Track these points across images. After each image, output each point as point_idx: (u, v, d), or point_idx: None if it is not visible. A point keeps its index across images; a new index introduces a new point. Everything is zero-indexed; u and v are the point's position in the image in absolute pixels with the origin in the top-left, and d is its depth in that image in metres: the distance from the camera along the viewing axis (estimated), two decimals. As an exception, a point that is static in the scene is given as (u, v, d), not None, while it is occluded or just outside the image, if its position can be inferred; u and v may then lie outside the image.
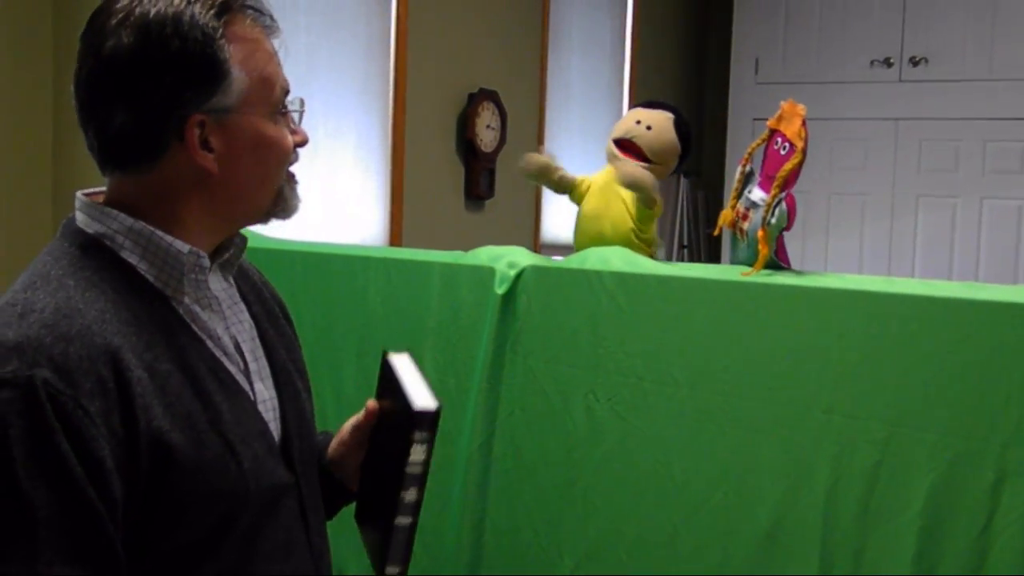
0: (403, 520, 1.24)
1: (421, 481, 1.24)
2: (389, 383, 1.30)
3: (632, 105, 5.28)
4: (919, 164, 5.12)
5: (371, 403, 1.33)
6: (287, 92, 1.21)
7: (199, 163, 1.13)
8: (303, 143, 1.24)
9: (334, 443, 1.38)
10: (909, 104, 5.10)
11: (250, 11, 1.17)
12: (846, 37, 5.23)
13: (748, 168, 1.64)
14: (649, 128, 1.91)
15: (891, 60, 5.13)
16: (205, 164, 1.13)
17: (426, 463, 1.24)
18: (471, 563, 1.82)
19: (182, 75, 1.10)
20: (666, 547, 1.59)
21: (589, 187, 1.97)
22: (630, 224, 1.89)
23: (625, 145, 1.93)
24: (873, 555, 1.40)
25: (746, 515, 1.51)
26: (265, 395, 1.22)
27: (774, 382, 1.49)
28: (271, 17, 1.20)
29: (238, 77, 1.13)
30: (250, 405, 1.18)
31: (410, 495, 1.24)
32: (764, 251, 1.54)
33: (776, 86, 5.24)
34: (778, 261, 1.58)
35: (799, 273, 1.58)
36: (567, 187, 1.99)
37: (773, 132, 1.63)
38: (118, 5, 1.12)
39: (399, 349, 1.35)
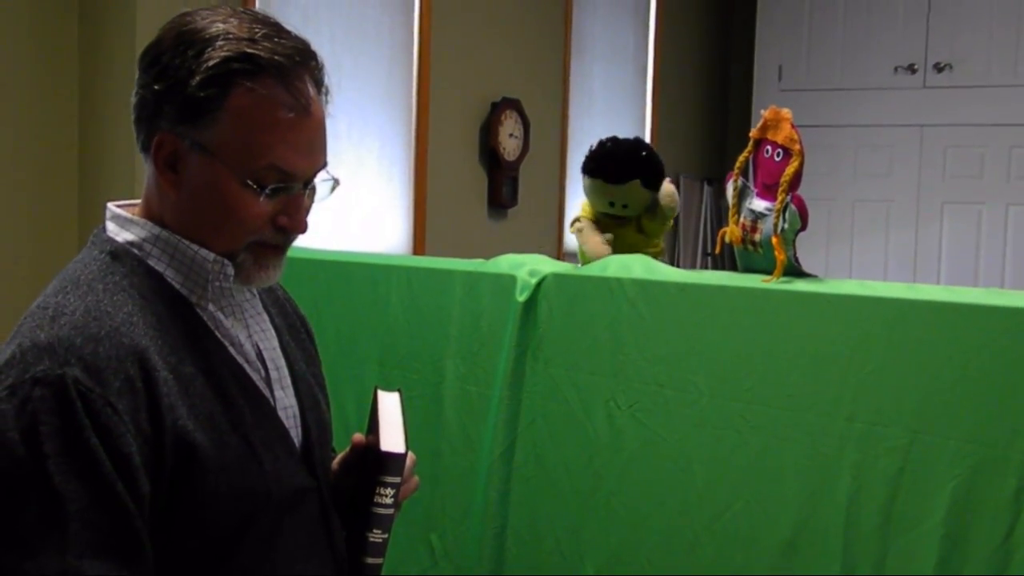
0: (372, 560, 1.26)
1: (387, 523, 1.26)
2: (374, 420, 1.32)
3: (654, 113, 5.29)
4: (944, 171, 5.09)
5: (356, 437, 1.35)
6: (285, 174, 1.15)
7: (158, 177, 1.16)
8: (289, 228, 1.18)
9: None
10: (934, 110, 5.08)
11: (287, 83, 1.13)
12: (870, 43, 5.21)
13: (741, 182, 1.64)
14: (626, 206, 1.92)
15: (915, 66, 5.10)
16: (163, 182, 1.16)
17: (392, 507, 1.25)
18: (493, 571, 1.82)
19: (167, 90, 1.12)
20: (688, 554, 1.59)
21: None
22: (638, 248, 1.90)
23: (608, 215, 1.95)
24: (895, 563, 1.39)
25: (767, 522, 1.51)
26: (286, 402, 1.24)
27: (795, 389, 1.49)
28: (305, 102, 1.15)
29: (226, 124, 1.12)
30: (270, 411, 1.20)
31: (375, 536, 1.25)
32: (781, 257, 1.54)
33: (800, 93, 5.23)
34: (797, 266, 1.57)
35: (820, 280, 1.58)
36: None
37: (760, 142, 1.62)
38: (203, 13, 1.16)
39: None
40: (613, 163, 1.91)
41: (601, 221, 1.96)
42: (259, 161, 1.13)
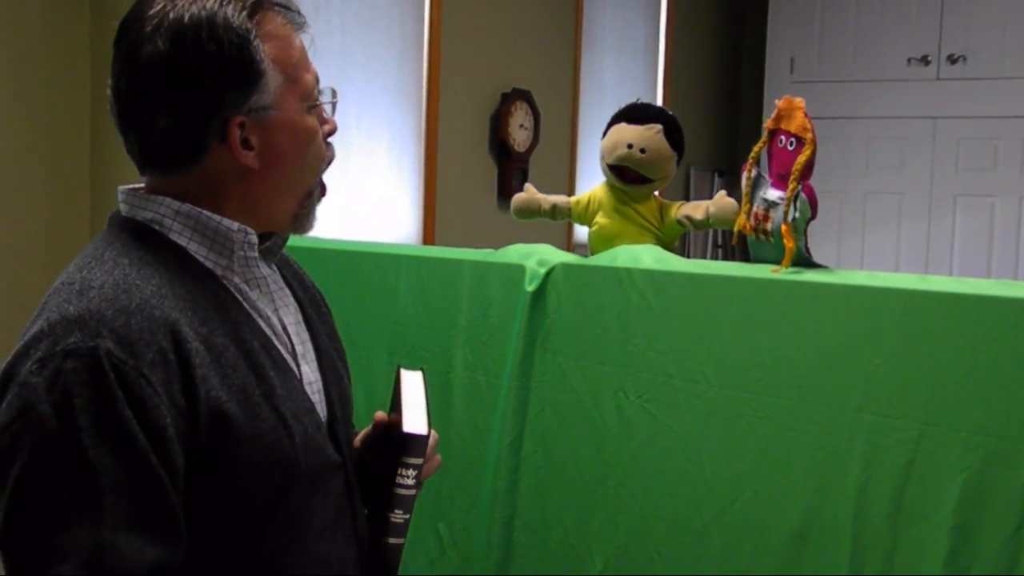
0: (394, 540, 1.27)
1: (409, 504, 1.26)
2: (396, 398, 1.31)
3: (665, 105, 5.27)
4: (957, 163, 5.06)
5: (379, 415, 1.35)
6: (318, 83, 1.23)
7: (241, 162, 1.16)
8: (332, 132, 1.25)
9: None
10: (947, 102, 5.05)
11: (280, 8, 1.18)
12: (883, 35, 5.18)
13: (755, 172, 1.63)
14: (643, 151, 1.86)
15: (928, 58, 5.08)
16: (247, 162, 1.16)
17: (414, 487, 1.25)
18: (501, 561, 1.82)
19: (221, 78, 1.12)
20: (696, 545, 1.59)
21: (591, 206, 1.95)
22: (652, 240, 1.88)
23: (621, 170, 1.90)
24: (905, 555, 1.39)
25: (776, 514, 1.51)
26: (311, 377, 1.24)
27: (805, 380, 1.48)
28: (299, 13, 1.21)
29: (273, 75, 1.15)
30: (298, 384, 1.20)
31: (397, 516, 1.26)
32: (790, 246, 1.53)
33: (812, 84, 5.21)
34: (808, 256, 1.57)
35: (830, 270, 1.57)
36: (564, 214, 1.99)
37: (774, 132, 1.61)
38: (151, 11, 1.12)
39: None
40: (636, 107, 1.94)
41: (613, 217, 1.93)
42: (307, 84, 1.20)
